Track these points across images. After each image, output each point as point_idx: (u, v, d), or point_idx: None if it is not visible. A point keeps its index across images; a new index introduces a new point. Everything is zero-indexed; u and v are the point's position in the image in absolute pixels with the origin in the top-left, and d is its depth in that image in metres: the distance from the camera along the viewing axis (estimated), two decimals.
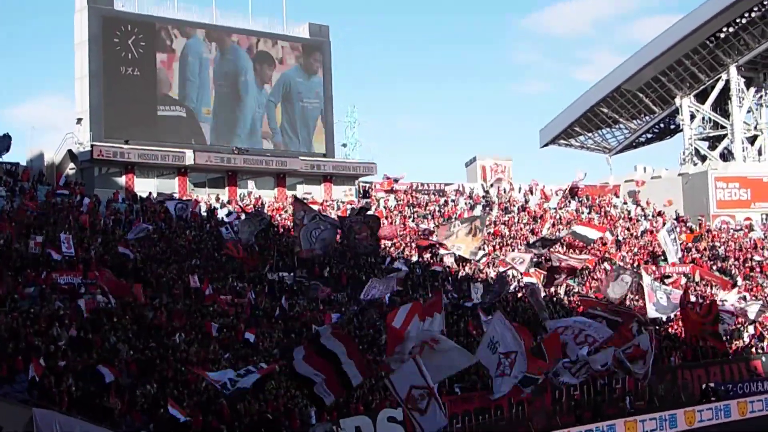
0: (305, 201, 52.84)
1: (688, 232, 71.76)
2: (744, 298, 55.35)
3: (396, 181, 71.23)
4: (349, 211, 55.54)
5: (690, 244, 67.85)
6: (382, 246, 54.69)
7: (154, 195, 55.37)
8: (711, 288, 58.94)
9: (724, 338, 47.49)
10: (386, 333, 30.31)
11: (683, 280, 58.63)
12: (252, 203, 59.11)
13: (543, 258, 56.08)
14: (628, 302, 51.30)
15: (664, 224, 72.45)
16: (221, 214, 54.47)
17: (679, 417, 39.45)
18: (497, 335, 28.58)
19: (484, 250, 56.72)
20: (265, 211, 57.30)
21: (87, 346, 30.85)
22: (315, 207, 59.21)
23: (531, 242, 58.48)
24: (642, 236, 68.76)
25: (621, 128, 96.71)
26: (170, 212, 49.62)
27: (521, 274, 54.39)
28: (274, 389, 31.36)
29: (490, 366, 28.32)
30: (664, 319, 49.80)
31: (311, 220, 44.63)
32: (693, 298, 52.98)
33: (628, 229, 70.11)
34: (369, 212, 52.43)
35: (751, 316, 51.66)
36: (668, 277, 59.26)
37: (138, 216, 50.01)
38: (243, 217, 50.52)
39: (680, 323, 47.67)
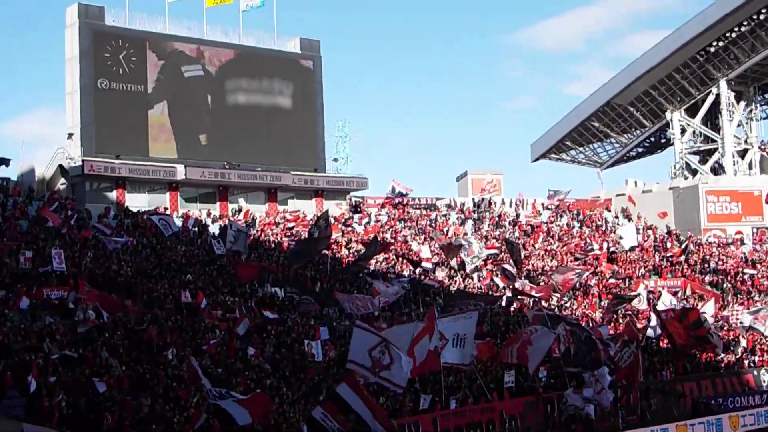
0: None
1: (678, 246, 71.70)
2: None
3: (403, 195, 71.63)
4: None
5: (681, 258, 67.98)
6: (374, 261, 54.65)
7: (145, 209, 55.34)
8: (702, 301, 58.96)
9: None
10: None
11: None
12: (242, 218, 59.01)
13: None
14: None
15: (655, 238, 72.67)
16: (213, 229, 54.34)
17: (671, 431, 39.37)
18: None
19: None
20: (257, 225, 57.36)
21: (78, 362, 30.69)
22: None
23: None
24: (633, 250, 68.66)
25: (612, 142, 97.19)
26: (159, 228, 49.36)
27: (508, 288, 54.59)
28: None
29: None
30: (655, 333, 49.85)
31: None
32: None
33: (619, 243, 70.03)
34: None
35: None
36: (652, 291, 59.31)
37: (126, 230, 49.83)
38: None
39: (667, 339, 47.71)
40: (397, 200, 71.27)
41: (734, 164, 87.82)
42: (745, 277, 66.11)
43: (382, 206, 70.02)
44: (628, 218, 79.73)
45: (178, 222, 53.21)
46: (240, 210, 60.99)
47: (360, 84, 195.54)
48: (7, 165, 51.44)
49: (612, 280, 61.22)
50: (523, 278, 55.96)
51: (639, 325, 48.22)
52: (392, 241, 58.82)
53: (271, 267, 47.86)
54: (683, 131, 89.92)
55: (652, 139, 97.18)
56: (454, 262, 56.61)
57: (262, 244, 53.64)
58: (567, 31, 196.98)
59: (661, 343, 48.59)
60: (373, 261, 53.91)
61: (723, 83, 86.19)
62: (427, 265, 56.01)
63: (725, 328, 53.89)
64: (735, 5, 78.76)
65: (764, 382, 48.51)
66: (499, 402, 36.16)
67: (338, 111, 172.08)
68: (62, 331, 32.61)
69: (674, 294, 59.33)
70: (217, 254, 47.81)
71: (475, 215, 71.88)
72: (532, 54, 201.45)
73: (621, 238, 68.87)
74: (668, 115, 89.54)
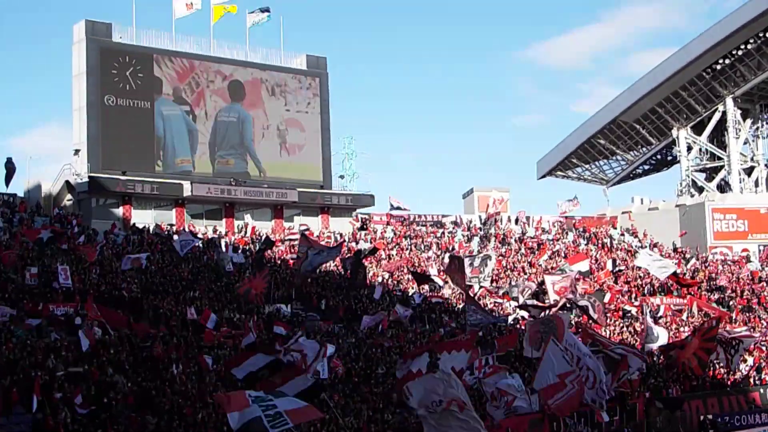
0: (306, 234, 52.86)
1: (685, 264, 71.43)
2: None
3: (396, 207, 71.12)
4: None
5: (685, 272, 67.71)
6: (380, 279, 54.58)
7: (152, 226, 55.42)
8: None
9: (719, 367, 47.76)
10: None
11: None
12: (249, 235, 58.96)
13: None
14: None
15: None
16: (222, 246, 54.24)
17: None
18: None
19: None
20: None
21: (83, 378, 30.68)
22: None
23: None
24: (640, 268, 68.33)
25: (618, 160, 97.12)
26: (176, 249, 49.01)
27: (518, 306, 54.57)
28: None
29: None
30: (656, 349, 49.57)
31: (315, 254, 45.01)
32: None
33: (625, 261, 69.86)
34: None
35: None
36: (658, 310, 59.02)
37: (134, 246, 49.84)
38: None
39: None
40: (395, 213, 71.15)
41: (740, 182, 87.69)
42: (751, 294, 65.68)
43: (388, 224, 69.94)
44: (634, 235, 79.65)
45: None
46: (246, 226, 60.92)
47: (366, 100, 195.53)
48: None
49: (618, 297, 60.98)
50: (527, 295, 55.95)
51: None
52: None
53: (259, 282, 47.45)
54: (689, 149, 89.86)
55: (659, 156, 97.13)
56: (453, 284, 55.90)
57: (269, 261, 53.55)
58: (575, 48, 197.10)
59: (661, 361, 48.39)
60: (378, 278, 53.94)
61: (729, 101, 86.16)
62: (437, 280, 55.90)
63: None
64: (741, 23, 78.78)
65: None
66: (503, 419, 35.96)
67: (344, 127, 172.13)
68: (68, 346, 32.68)
69: (679, 312, 59.26)
70: (227, 271, 47.81)
71: (482, 232, 71.76)
72: (541, 71, 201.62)
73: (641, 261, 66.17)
74: (674, 132, 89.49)
